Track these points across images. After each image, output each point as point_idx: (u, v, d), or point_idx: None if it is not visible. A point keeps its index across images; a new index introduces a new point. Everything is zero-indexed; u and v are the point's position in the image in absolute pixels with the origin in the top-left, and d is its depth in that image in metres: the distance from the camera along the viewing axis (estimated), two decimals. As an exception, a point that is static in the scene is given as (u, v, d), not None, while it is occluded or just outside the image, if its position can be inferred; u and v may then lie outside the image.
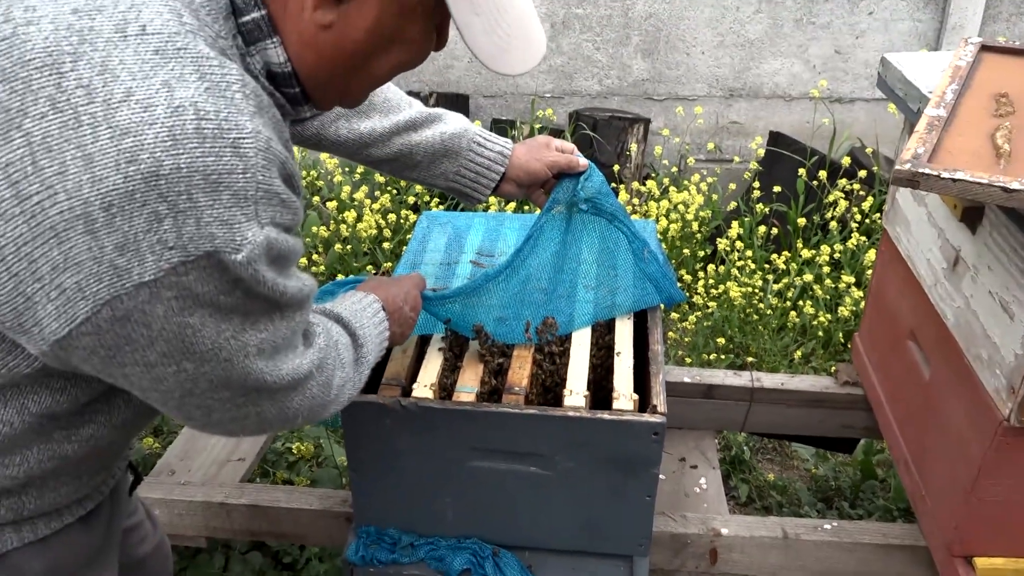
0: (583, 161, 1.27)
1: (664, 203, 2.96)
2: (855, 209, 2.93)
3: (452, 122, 1.22)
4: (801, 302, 2.72)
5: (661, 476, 1.68)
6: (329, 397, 0.88)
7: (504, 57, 0.78)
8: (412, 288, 1.14)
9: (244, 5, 0.70)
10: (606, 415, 1.10)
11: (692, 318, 2.68)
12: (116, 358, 0.67)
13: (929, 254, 1.40)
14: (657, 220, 2.91)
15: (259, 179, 0.65)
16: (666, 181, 3.18)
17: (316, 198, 3.11)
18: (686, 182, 3.16)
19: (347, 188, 3.06)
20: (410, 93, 3.61)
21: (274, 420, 0.82)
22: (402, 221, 3.03)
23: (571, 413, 1.11)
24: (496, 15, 0.76)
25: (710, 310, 2.72)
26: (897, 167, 1.02)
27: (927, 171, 1.00)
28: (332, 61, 0.75)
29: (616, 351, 1.24)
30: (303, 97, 0.78)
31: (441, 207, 3.13)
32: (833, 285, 2.73)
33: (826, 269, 2.72)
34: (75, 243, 0.60)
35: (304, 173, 3.31)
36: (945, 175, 0.99)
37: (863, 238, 2.83)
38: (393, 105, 1.19)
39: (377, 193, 3.16)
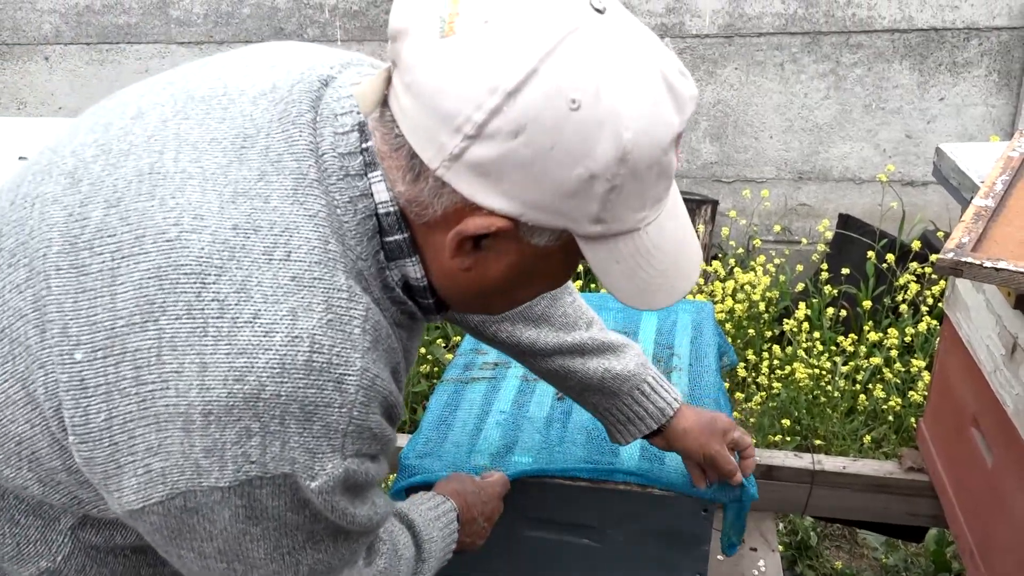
0: (738, 478, 1.13)
1: (730, 284, 2.98)
2: (927, 292, 2.90)
3: (625, 360, 1.10)
4: (871, 386, 2.68)
5: (720, 557, 1.68)
6: None
7: (644, 297, 0.73)
8: (493, 498, 1.11)
9: (389, 227, 0.72)
10: (656, 490, 1.14)
11: (757, 398, 2.67)
12: (175, 540, 0.70)
13: (988, 340, 1.40)
14: (723, 300, 2.94)
15: (354, 415, 0.68)
16: (732, 262, 3.21)
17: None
18: (753, 263, 3.18)
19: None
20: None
21: None
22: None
23: (622, 487, 1.15)
24: (638, 258, 0.71)
25: (775, 391, 2.71)
26: (940, 256, 1.05)
27: (970, 260, 1.03)
28: (471, 293, 0.76)
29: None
30: (437, 307, 0.78)
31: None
32: (904, 369, 2.69)
33: (894, 353, 2.68)
34: (171, 435, 0.65)
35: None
36: (988, 264, 1.02)
37: (935, 322, 2.79)
38: (570, 322, 1.10)
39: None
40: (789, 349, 2.86)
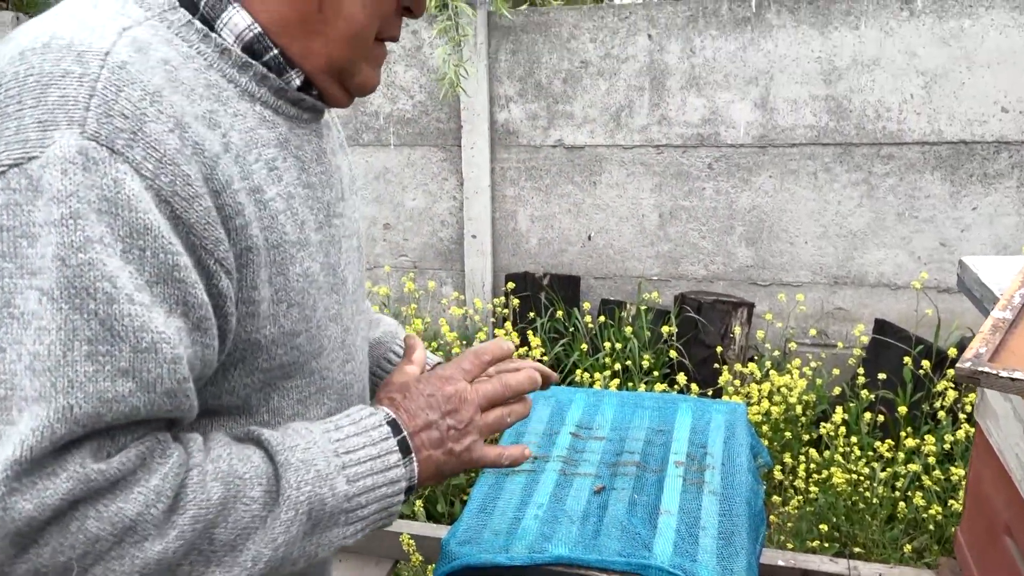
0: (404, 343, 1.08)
1: (766, 386, 3.02)
2: (965, 400, 2.90)
3: (377, 331, 1.16)
4: (911, 493, 2.66)
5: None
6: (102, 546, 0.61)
7: None
8: (450, 379, 0.85)
9: None
10: (688, 585, 1.18)
11: (795, 502, 2.66)
12: None
13: (1017, 448, 1.43)
14: (759, 402, 2.97)
15: (98, 87, 0.62)
16: (768, 364, 3.25)
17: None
18: (789, 366, 3.22)
19: (457, 349, 3.28)
20: (527, 274, 3.87)
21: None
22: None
23: (655, 580, 1.19)
24: None
25: (812, 495, 2.70)
26: (959, 365, 1.11)
27: (987, 370, 1.09)
28: (310, 9, 0.75)
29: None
30: (285, 61, 0.77)
31: (549, 380, 3.29)
32: (943, 476, 2.67)
33: (931, 460, 2.67)
34: None
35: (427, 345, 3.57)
36: (1004, 374, 1.08)
37: (972, 429, 2.78)
38: None
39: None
40: (827, 453, 2.86)
